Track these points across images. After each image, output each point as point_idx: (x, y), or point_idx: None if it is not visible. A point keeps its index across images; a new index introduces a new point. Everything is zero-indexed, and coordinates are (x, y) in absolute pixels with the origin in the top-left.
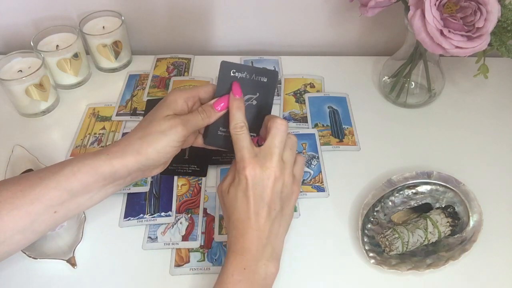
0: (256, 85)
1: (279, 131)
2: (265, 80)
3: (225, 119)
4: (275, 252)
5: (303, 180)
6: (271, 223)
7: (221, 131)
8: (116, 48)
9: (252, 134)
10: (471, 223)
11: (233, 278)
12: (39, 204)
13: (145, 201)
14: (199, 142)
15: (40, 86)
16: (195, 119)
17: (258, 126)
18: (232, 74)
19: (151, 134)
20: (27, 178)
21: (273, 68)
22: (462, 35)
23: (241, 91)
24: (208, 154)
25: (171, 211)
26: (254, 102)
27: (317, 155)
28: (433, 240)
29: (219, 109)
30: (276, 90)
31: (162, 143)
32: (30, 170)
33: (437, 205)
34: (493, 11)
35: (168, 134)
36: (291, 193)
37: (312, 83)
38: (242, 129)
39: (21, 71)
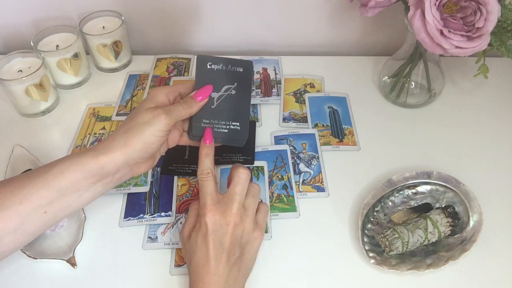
0: (233, 75)
1: (240, 179)
2: (241, 70)
3: (208, 110)
4: None
5: (303, 180)
6: (230, 268)
7: (204, 123)
8: (116, 48)
9: (235, 123)
10: (471, 223)
11: None
12: (28, 204)
13: (145, 201)
14: (185, 140)
15: (40, 86)
16: (177, 109)
17: (239, 115)
18: (208, 67)
19: (135, 126)
20: (17, 179)
21: (273, 68)
22: (462, 35)
23: (212, 138)
24: None
25: (171, 211)
26: (233, 92)
27: (317, 155)
28: (433, 240)
29: (199, 99)
30: (253, 79)
31: (147, 132)
32: (30, 170)
33: (437, 205)
34: (493, 11)
35: (152, 124)
36: (252, 240)
37: (312, 83)
38: (208, 175)
39: (21, 71)
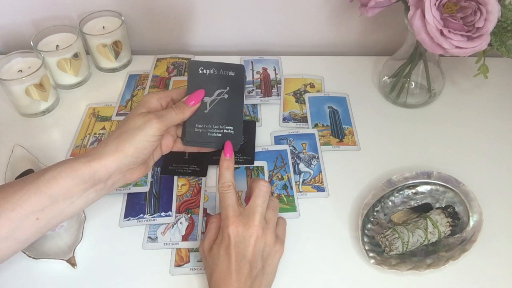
0: (225, 79)
1: (261, 191)
2: (233, 74)
3: (201, 115)
4: None
5: (303, 180)
6: (252, 281)
7: (198, 128)
8: (116, 48)
9: (228, 127)
10: (471, 223)
11: None
12: (20, 210)
13: (145, 201)
14: (179, 146)
15: (40, 86)
16: (169, 114)
17: (232, 119)
18: (200, 71)
19: (127, 131)
20: (9, 185)
21: (273, 68)
22: (462, 35)
23: (232, 152)
24: (208, 154)
25: (171, 211)
26: (226, 96)
27: (317, 155)
28: (433, 240)
29: (191, 104)
30: (245, 83)
31: (139, 137)
32: (30, 170)
33: (437, 205)
34: (493, 11)
35: (143, 129)
36: (274, 253)
37: (312, 83)
38: (229, 188)
39: (21, 71)
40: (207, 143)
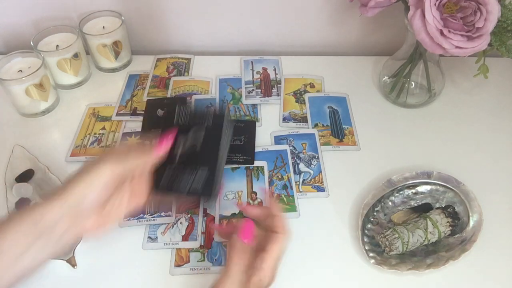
0: (201, 119)
1: (285, 241)
2: (211, 119)
3: (172, 160)
4: None
5: (303, 180)
6: None
7: (167, 175)
8: (116, 48)
9: (203, 168)
10: (471, 223)
11: None
12: None
13: None
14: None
15: (40, 86)
16: (129, 157)
17: (207, 160)
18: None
19: (81, 171)
20: None
21: (273, 68)
22: (462, 35)
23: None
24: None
25: (171, 211)
26: (201, 136)
27: (317, 155)
28: (433, 240)
29: (160, 147)
30: (227, 125)
31: (85, 180)
32: (30, 170)
33: (437, 205)
34: (493, 11)
35: (92, 171)
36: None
37: (312, 83)
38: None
39: (21, 71)
40: (179, 191)
